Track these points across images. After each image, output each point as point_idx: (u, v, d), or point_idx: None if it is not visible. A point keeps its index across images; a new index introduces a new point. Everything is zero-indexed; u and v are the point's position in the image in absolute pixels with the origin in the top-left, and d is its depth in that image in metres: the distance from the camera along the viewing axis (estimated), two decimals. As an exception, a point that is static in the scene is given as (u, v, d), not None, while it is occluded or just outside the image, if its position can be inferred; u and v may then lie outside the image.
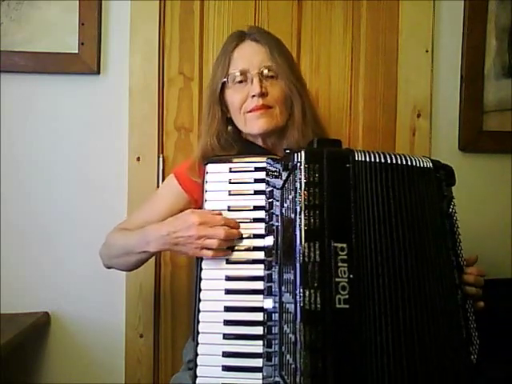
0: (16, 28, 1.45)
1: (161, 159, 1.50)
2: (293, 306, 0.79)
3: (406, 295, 0.81)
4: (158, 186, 1.48)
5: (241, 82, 1.09)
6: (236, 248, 0.95)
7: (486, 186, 1.60)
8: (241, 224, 0.95)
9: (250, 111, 1.08)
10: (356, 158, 0.85)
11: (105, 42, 1.49)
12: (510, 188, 1.60)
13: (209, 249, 0.94)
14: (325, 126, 1.20)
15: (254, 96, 1.06)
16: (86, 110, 1.49)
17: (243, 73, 1.08)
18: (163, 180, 1.47)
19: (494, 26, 1.58)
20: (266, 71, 1.07)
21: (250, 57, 1.09)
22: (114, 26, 1.49)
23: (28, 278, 1.48)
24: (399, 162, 0.87)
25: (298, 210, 0.81)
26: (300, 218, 0.80)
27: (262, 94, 1.06)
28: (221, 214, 0.97)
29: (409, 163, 0.88)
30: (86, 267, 1.47)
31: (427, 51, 1.56)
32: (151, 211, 1.17)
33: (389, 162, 0.86)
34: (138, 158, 1.49)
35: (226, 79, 1.10)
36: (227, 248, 0.94)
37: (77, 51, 1.45)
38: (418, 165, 0.89)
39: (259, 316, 0.90)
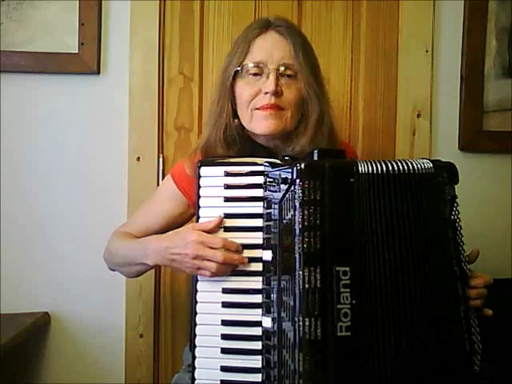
0: (16, 28, 1.45)
1: (161, 159, 1.49)
2: (292, 333, 0.76)
3: (409, 318, 0.77)
4: (157, 186, 1.48)
5: (255, 74, 1.00)
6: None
7: (486, 186, 1.60)
8: (238, 233, 0.90)
9: (259, 108, 0.99)
10: (360, 171, 0.79)
11: (105, 42, 1.49)
12: (510, 188, 1.60)
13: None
14: (340, 138, 1.12)
15: (266, 93, 0.98)
16: (86, 110, 1.49)
17: (260, 65, 0.99)
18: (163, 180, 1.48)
19: (494, 26, 1.58)
20: (284, 68, 0.99)
21: (270, 49, 0.99)
22: (114, 26, 1.49)
23: (28, 278, 1.48)
24: (401, 170, 0.82)
25: (298, 231, 0.76)
26: (299, 240, 0.75)
27: (276, 93, 0.98)
28: (221, 223, 0.91)
29: (411, 170, 0.82)
30: (86, 267, 1.47)
31: (427, 51, 1.56)
32: (151, 214, 1.13)
33: (391, 172, 0.81)
34: (138, 158, 1.48)
35: (239, 68, 1.01)
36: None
37: (77, 51, 1.45)
38: (419, 171, 0.83)
39: (257, 330, 0.87)
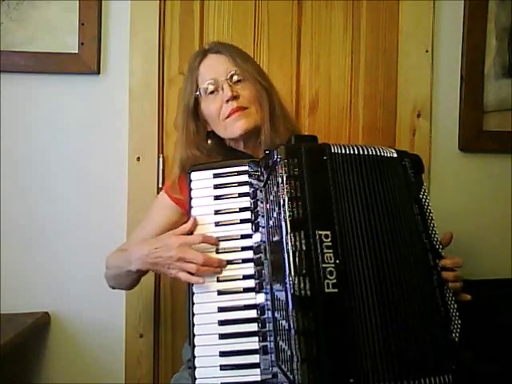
0: (16, 28, 1.45)
1: (161, 159, 1.50)
2: (283, 294, 0.81)
3: (388, 276, 0.85)
4: (157, 186, 1.48)
5: (212, 92, 1.13)
6: (226, 250, 0.96)
7: (486, 186, 1.60)
8: (229, 226, 0.97)
9: (228, 116, 1.11)
10: (332, 151, 0.91)
11: (105, 42, 1.49)
12: (510, 188, 1.60)
13: (188, 272, 0.95)
14: (296, 124, 1.27)
15: (227, 101, 1.10)
16: (86, 110, 1.49)
17: (213, 83, 1.12)
18: (163, 180, 1.48)
19: (494, 26, 1.58)
20: (234, 77, 1.12)
21: (215, 67, 1.14)
22: (114, 26, 1.49)
23: (28, 278, 1.48)
24: (369, 153, 0.94)
25: (282, 202, 0.85)
26: (284, 211, 0.84)
27: (235, 97, 1.10)
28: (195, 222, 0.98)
29: (377, 154, 0.94)
30: (86, 267, 1.47)
31: (427, 51, 1.56)
32: (147, 230, 1.18)
33: (361, 153, 0.93)
34: (138, 158, 1.49)
35: (198, 93, 1.14)
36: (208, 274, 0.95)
37: (77, 51, 1.45)
38: (385, 155, 0.95)
39: (253, 313, 0.92)
